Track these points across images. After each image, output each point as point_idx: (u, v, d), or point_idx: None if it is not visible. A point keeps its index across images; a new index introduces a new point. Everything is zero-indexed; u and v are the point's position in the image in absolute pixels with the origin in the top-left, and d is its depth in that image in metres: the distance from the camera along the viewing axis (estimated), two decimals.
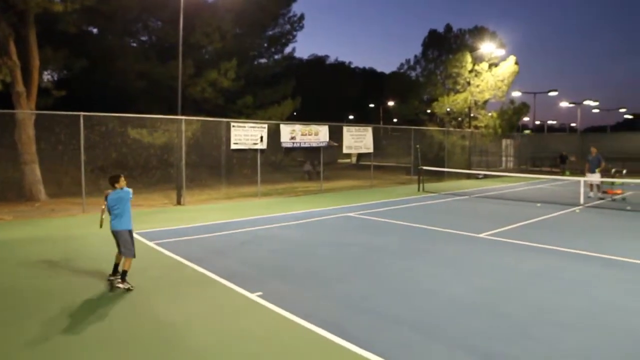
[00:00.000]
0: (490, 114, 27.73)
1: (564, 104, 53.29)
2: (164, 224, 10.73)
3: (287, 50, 26.11)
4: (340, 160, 34.95)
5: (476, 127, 27.47)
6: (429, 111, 30.02)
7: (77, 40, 18.32)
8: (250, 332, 4.64)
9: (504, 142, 31.59)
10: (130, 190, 6.22)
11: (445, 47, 31.35)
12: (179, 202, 14.33)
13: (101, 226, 6.25)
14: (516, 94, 34.43)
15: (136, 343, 4.41)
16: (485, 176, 24.48)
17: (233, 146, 15.78)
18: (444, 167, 22.58)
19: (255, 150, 16.33)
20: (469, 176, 24.35)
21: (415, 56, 32.86)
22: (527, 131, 49.24)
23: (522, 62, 29.00)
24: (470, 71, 26.88)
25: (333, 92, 44.47)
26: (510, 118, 27.20)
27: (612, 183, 16.43)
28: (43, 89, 15.87)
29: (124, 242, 6.08)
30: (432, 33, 32.90)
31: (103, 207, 6.25)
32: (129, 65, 19.94)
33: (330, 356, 4.14)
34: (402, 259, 7.63)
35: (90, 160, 14.32)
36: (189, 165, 15.34)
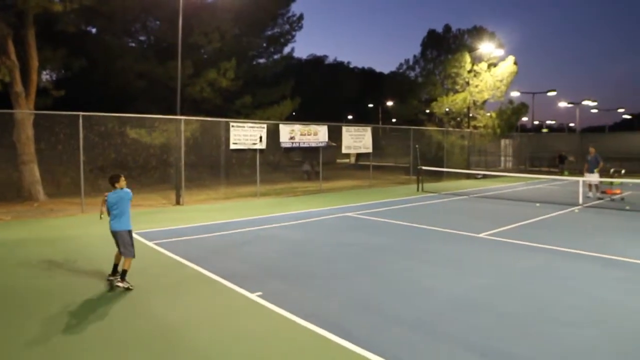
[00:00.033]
0: (489, 114, 27.75)
1: (563, 104, 53.41)
2: (163, 224, 10.72)
3: (286, 50, 26.09)
4: (339, 160, 34.95)
5: (475, 127, 27.49)
6: (428, 111, 30.01)
7: (76, 40, 18.30)
8: (250, 332, 4.64)
9: (503, 142, 31.63)
10: (130, 191, 6.22)
11: (444, 47, 31.37)
12: (178, 202, 14.33)
13: (101, 217, 6.25)
14: (515, 94, 34.50)
15: (136, 343, 4.41)
16: (484, 176, 24.50)
17: (232, 146, 15.77)
18: (443, 167, 22.59)
19: (255, 150, 16.32)
20: (468, 176, 24.38)
21: (414, 56, 32.89)
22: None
23: (520, 62, 28.97)
24: (469, 71, 26.90)
25: (332, 92, 44.51)
26: (509, 118, 27.23)
27: (611, 183, 16.45)
28: (42, 89, 15.84)
29: (123, 242, 6.07)
30: (431, 33, 32.91)
31: (104, 198, 6.24)
32: (128, 65, 19.92)
33: (331, 356, 4.14)
34: (401, 258, 7.64)
35: (89, 160, 14.31)
36: (187, 165, 15.33)
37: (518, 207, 13.77)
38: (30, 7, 13.16)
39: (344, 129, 19.50)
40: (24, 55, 14.18)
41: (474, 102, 27.35)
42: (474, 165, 27.85)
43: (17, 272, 6.84)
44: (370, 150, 20.50)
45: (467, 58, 26.82)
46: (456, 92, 27.57)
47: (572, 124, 69.46)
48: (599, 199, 15.33)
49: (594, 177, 15.58)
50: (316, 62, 52.69)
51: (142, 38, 22.83)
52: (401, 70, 33.98)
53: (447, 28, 32.31)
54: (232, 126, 15.75)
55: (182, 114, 14.80)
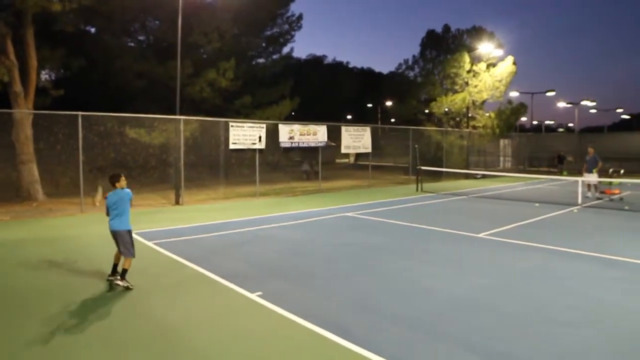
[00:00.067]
0: (488, 114, 27.80)
1: (562, 104, 53.46)
2: (162, 224, 10.73)
3: (286, 50, 26.13)
4: (338, 160, 34.97)
5: (474, 127, 27.52)
6: (427, 111, 30.05)
7: (75, 40, 18.29)
8: (250, 332, 4.65)
9: (502, 142, 31.68)
10: (130, 191, 6.23)
11: (443, 47, 31.39)
12: (177, 202, 14.33)
13: (96, 203, 6.36)
14: (514, 94, 34.57)
15: (136, 342, 4.42)
16: (483, 176, 24.53)
17: (232, 146, 15.78)
18: (442, 167, 22.61)
19: (254, 150, 16.33)
20: (467, 176, 24.40)
21: (414, 56, 32.90)
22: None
23: (519, 63, 29.09)
24: (469, 71, 26.92)
25: (331, 92, 44.54)
26: (508, 118, 27.27)
27: (610, 183, 16.49)
28: (41, 89, 15.82)
29: (123, 242, 6.08)
30: (430, 33, 32.93)
31: (104, 195, 6.29)
32: (127, 65, 19.91)
33: (331, 355, 4.16)
34: (401, 258, 7.65)
35: (88, 160, 14.30)
36: (187, 165, 15.33)
37: (517, 207, 13.79)
38: (28, 6, 13.14)
39: (343, 128, 19.52)
40: (22, 55, 14.17)
41: (473, 102, 27.39)
42: (473, 165, 27.87)
43: (16, 272, 6.85)
44: (369, 150, 20.51)
45: (466, 58, 26.85)
46: (455, 92, 27.60)
47: (571, 124, 69.57)
48: (598, 199, 15.37)
49: (592, 177, 15.62)
50: (315, 62, 52.74)
51: (141, 38, 22.84)
52: (400, 70, 34.03)
53: (447, 28, 32.35)
54: (232, 126, 15.75)
55: (181, 114, 14.80)
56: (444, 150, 24.97)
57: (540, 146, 34.62)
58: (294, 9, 52.28)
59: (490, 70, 26.71)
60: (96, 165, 15.54)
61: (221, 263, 7.22)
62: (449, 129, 27.42)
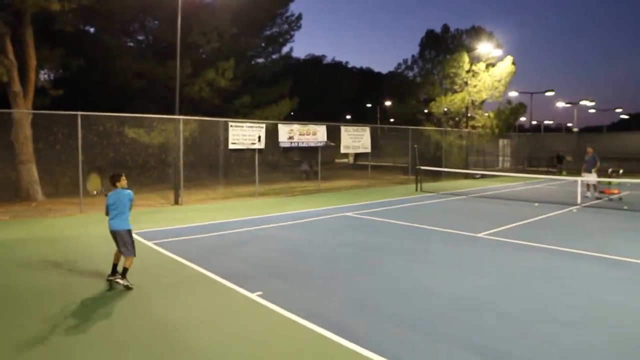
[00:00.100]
0: (487, 114, 27.80)
1: (561, 104, 53.50)
2: (162, 223, 10.71)
3: (285, 50, 26.08)
4: (337, 160, 34.97)
5: (473, 127, 27.53)
6: (426, 111, 30.04)
7: (75, 40, 18.26)
8: (250, 332, 4.64)
9: (501, 142, 31.71)
10: (131, 192, 6.21)
11: (442, 47, 31.38)
12: (176, 202, 14.31)
13: (91, 188, 6.38)
14: (513, 94, 34.58)
15: (136, 342, 4.41)
16: (483, 176, 24.53)
17: (231, 146, 15.76)
18: (441, 167, 22.61)
19: (253, 150, 16.32)
20: (466, 176, 24.41)
21: (413, 56, 32.89)
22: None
23: (519, 62, 29.14)
24: (468, 71, 26.93)
25: (330, 91, 44.53)
26: (507, 118, 27.29)
27: (609, 183, 16.51)
28: (40, 89, 15.80)
29: (123, 242, 6.07)
30: (430, 33, 32.93)
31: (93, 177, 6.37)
32: (127, 65, 19.88)
33: (331, 355, 4.15)
34: (401, 258, 7.64)
35: (87, 160, 14.26)
36: (186, 165, 15.31)
37: (517, 206, 13.80)
38: (28, 6, 13.13)
39: (342, 128, 19.51)
40: (21, 55, 14.16)
41: (472, 102, 27.39)
42: (472, 165, 27.89)
43: (16, 272, 6.83)
44: (368, 150, 20.51)
45: (466, 58, 26.85)
46: (454, 92, 27.60)
47: (570, 124, 69.58)
48: (597, 198, 15.37)
49: (591, 177, 15.63)
50: (314, 61, 52.71)
51: (140, 38, 22.80)
52: (399, 70, 34.01)
53: (446, 28, 32.34)
54: (231, 126, 15.74)
55: (180, 114, 14.78)
56: (443, 150, 24.98)
57: (539, 146, 34.66)
58: (293, 8, 52.21)
59: (489, 70, 26.72)
60: (96, 165, 15.49)
61: (221, 263, 7.21)
62: (448, 129, 27.43)
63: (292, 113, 26.69)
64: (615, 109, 62.29)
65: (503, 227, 10.25)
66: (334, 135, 19.27)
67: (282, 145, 17.54)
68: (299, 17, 24.80)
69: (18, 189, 14.17)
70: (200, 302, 5.50)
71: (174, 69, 15.01)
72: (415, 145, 21.09)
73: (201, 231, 9.86)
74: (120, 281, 5.94)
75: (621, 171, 17.22)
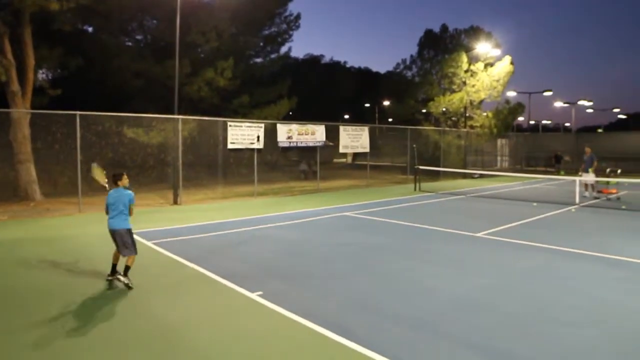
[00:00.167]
0: (485, 114, 27.84)
1: (559, 104, 53.58)
2: (161, 223, 10.70)
3: (283, 49, 26.11)
4: (336, 160, 34.97)
5: (472, 127, 27.56)
6: (424, 111, 30.07)
7: (73, 39, 18.21)
8: (250, 332, 4.63)
9: (499, 141, 31.75)
10: (131, 192, 6.20)
11: (441, 47, 31.43)
12: (175, 202, 14.29)
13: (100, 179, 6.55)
14: (511, 93, 34.62)
15: (136, 343, 4.39)
16: (481, 176, 24.57)
17: (230, 146, 15.75)
18: (439, 166, 22.64)
19: (252, 149, 16.30)
20: (464, 176, 24.45)
21: (411, 56, 32.94)
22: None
23: (517, 62, 29.22)
24: (466, 71, 26.96)
25: (328, 91, 44.46)
26: (506, 118, 27.34)
27: (607, 182, 16.55)
28: (38, 88, 15.77)
29: (122, 242, 6.05)
30: (428, 33, 32.97)
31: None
32: (125, 64, 19.84)
33: (332, 355, 4.14)
34: (400, 258, 7.65)
35: (86, 159, 14.20)
36: (185, 164, 15.28)
37: (515, 206, 13.81)
38: (26, 5, 13.10)
39: (341, 128, 19.51)
40: (20, 54, 14.12)
41: (471, 102, 27.43)
42: (471, 165, 27.92)
43: (16, 271, 6.81)
44: (367, 149, 20.52)
45: (464, 58, 26.89)
46: (453, 91, 27.63)
47: (567, 124, 69.71)
48: (596, 198, 15.41)
49: (589, 177, 15.67)
50: (313, 61, 52.61)
51: (139, 37, 22.76)
52: (398, 70, 34.06)
53: (444, 28, 32.39)
54: (230, 125, 15.73)
55: (179, 113, 14.75)
56: (442, 150, 25.01)
57: (537, 146, 34.72)
58: (292, 8, 52.28)
59: (487, 70, 26.76)
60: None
61: (221, 263, 7.20)
62: (447, 128, 27.46)
63: (290, 113, 26.66)
64: (613, 108, 62.47)
65: (502, 227, 10.26)
66: (332, 135, 19.27)
67: (280, 145, 17.54)
68: (298, 16, 24.82)
69: (16, 188, 14.13)
70: (200, 302, 5.49)
71: (173, 69, 14.98)
72: (414, 145, 21.10)
73: (200, 231, 9.85)
74: (122, 278, 5.93)
75: (619, 171, 17.28)
